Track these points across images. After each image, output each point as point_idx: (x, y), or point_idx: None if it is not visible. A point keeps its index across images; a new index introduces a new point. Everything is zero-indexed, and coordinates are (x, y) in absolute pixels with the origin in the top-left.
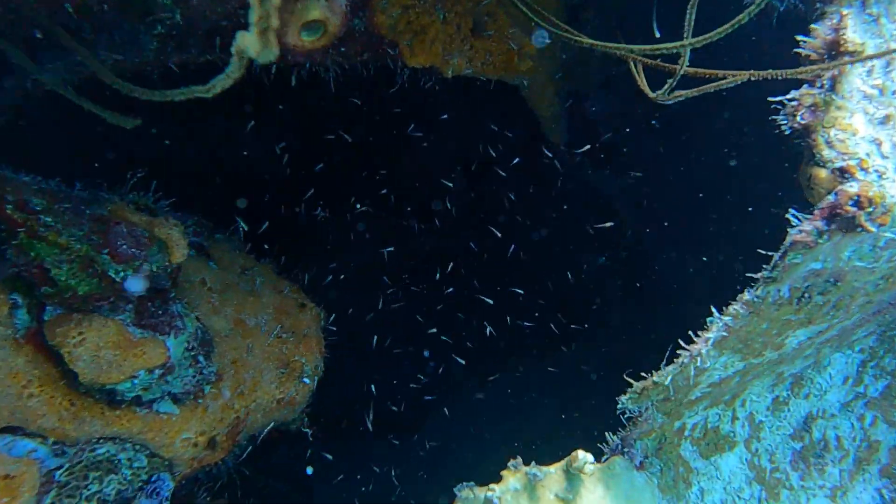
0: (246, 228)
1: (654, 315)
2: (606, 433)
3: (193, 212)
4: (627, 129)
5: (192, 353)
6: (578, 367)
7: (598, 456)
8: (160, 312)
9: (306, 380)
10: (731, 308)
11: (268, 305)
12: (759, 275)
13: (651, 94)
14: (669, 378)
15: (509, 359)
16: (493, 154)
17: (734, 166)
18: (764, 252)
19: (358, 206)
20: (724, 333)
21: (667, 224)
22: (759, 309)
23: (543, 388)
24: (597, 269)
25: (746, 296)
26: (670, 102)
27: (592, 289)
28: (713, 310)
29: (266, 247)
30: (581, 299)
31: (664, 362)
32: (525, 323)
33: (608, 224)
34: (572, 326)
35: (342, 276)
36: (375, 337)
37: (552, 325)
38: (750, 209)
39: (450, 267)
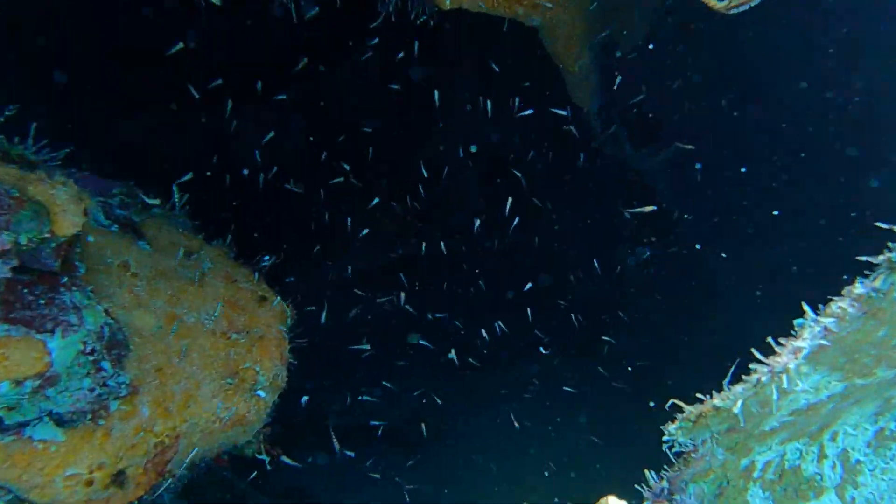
0: (178, 200)
1: (706, 321)
2: (647, 471)
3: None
4: (676, 91)
5: (92, 359)
6: (609, 384)
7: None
8: (41, 303)
9: (261, 393)
10: (833, 306)
11: (215, 298)
12: (878, 258)
13: (715, 3)
14: (740, 403)
15: (524, 374)
16: (503, 121)
17: (812, 134)
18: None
19: (343, 179)
20: (823, 342)
21: (724, 208)
22: (877, 308)
23: (569, 406)
24: (632, 266)
25: (859, 288)
26: (734, 12)
27: (627, 289)
28: (807, 309)
29: (225, 228)
30: (613, 302)
31: (727, 379)
32: (544, 342)
33: (648, 209)
34: (604, 338)
35: (317, 264)
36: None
37: (577, 333)
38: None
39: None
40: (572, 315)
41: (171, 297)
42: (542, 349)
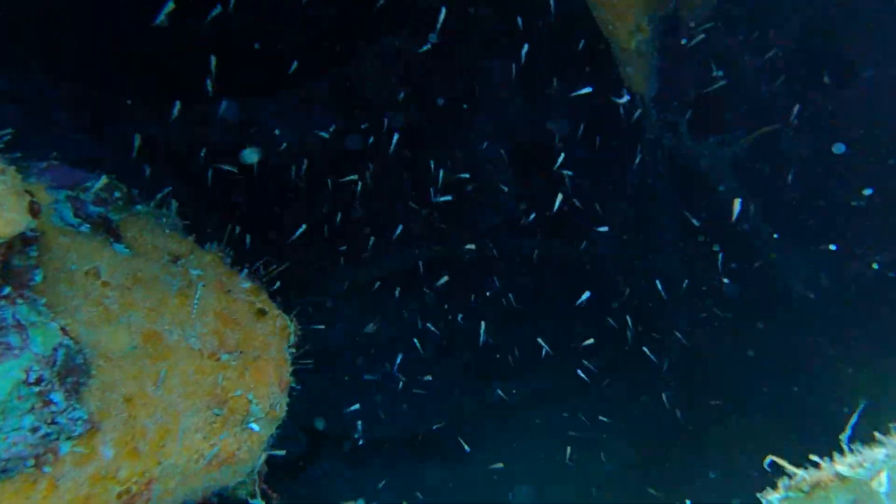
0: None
1: (791, 350)
2: None
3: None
4: (749, 75)
5: (38, 389)
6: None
7: None
8: None
9: (254, 426)
10: None
11: (205, 311)
12: None
13: None
14: (885, 477)
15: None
16: (541, 108)
17: None
18: None
19: (356, 179)
20: None
21: (802, 216)
22: None
23: (619, 449)
24: (690, 278)
25: None
26: None
27: (684, 305)
28: None
29: (221, 228)
30: (668, 320)
31: (846, 433)
32: (588, 365)
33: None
34: (663, 366)
35: (328, 271)
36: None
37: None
38: None
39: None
40: (627, 330)
41: (151, 311)
42: (584, 372)
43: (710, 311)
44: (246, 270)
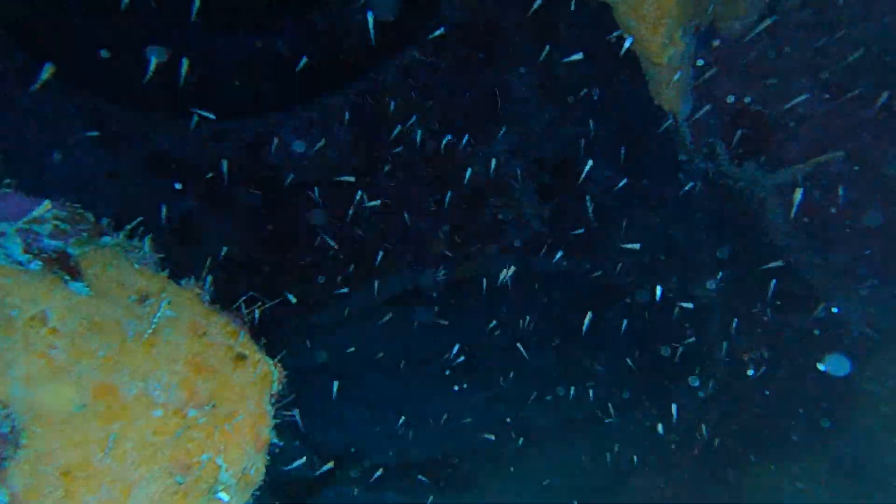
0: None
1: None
2: None
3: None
4: (802, 92)
5: None
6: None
7: None
8: None
9: (223, 495)
10: None
11: (174, 357)
12: None
13: None
14: None
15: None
16: (562, 123)
17: None
18: None
19: (369, 201)
20: None
21: (861, 251)
22: None
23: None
24: (731, 313)
25: None
26: None
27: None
28: None
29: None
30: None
31: None
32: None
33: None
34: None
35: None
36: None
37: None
38: None
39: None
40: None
41: (107, 361)
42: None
43: (756, 346)
44: (225, 311)
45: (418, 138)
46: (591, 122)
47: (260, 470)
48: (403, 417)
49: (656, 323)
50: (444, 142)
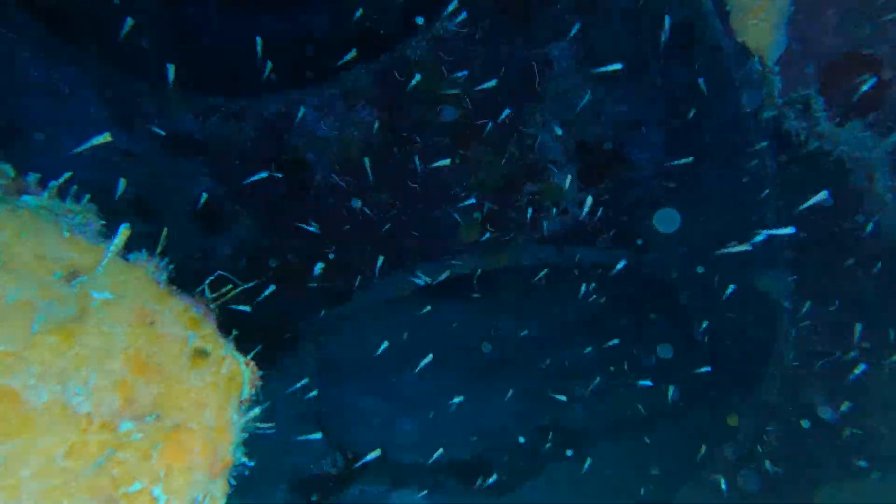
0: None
1: None
2: None
3: None
4: None
5: None
6: None
7: None
8: None
9: None
10: None
11: (107, 353)
12: None
13: None
14: None
15: None
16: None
17: None
18: None
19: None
20: None
21: None
22: None
23: None
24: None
25: None
26: None
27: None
28: None
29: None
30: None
31: None
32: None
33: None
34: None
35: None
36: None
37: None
38: None
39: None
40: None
41: (6, 357)
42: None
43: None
44: (185, 294)
45: (447, 118)
46: (640, 101)
47: (217, 500)
48: (432, 413)
49: (713, 325)
50: (478, 122)
